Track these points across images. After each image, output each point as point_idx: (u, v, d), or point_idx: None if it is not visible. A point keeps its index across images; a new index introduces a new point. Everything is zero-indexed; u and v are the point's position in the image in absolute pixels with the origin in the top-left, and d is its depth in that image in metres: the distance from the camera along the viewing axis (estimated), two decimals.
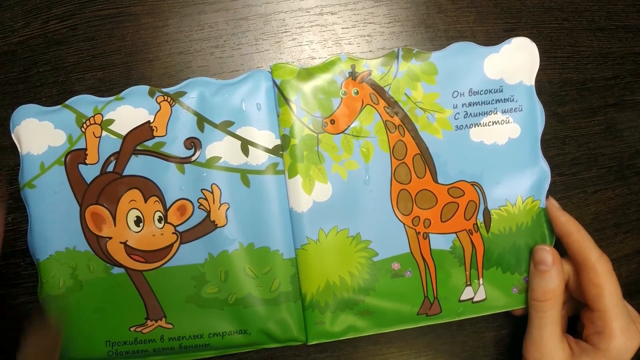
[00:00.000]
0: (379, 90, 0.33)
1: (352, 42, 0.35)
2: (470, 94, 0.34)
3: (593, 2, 0.37)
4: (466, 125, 0.34)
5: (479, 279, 0.35)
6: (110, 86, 0.33)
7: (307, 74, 0.33)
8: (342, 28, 0.35)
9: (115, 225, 0.33)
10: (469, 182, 0.34)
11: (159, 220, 0.33)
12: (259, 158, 0.33)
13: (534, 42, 0.34)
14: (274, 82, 0.33)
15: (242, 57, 0.35)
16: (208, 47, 0.35)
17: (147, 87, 0.33)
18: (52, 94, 0.34)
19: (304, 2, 0.35)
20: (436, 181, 0.34)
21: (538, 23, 0.36)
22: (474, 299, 0.35)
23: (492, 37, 0.36)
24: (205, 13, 0.35)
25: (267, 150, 0.33)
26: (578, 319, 0.34)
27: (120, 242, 0.33)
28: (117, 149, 0.33)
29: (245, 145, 0.33)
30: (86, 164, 0.33)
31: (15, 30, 0.34)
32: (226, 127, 0.33)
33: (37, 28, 0.34)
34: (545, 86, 0.37)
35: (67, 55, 0.34)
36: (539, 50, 0.34)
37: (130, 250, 0.33)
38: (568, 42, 0.37)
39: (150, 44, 0.34)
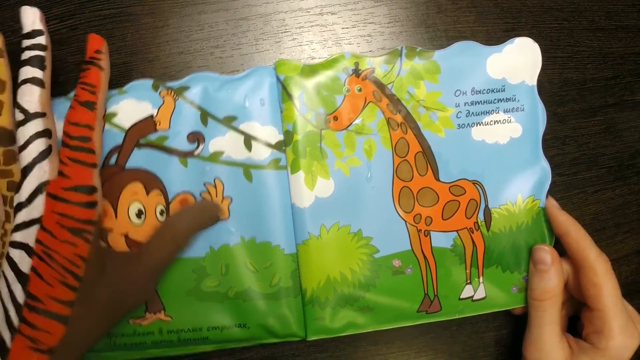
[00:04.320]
0: (382, 87, 0.33)
1: (352, 42, 0.35)
2: (473, 93, 0.34)
3: (593, 2, 0.38)
4: (468, 124, 0.34)
5: (479, 278, 0.35)
6: (110, 86, 0.33)
7: (311, 70, 0.33)
8: (342, 28, 0.35)
9: (116, 218, 0.32)
10: (470, 181, 0.34)
11: (161, 214, 0.33)
12: (261, 153, 0.33)
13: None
14: (278, 78, 0.33)
15: (242, 57, 0.35)
16: (208, 47, 0.35)
17: (150, 81, 0.33)
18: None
19: (304, 2, 0.35)
20: (438, 179, 0.34)
21: (538, 23, 0.37)
22: (474, 298, 0.35)
23: (492, 37, 0.36)
24: (205, 13, 0.35)
25: (270, 145, 0.33)
26: (578, 319, 0.34)
27: (121, 235, 0.33)
28: (120, 142, 0.33)
29: (248, 140, 0.33)
30: None
31: (15, 30, 0.33)
32: (229, 122, 0.33)
33: None
34: (545, 86, 0.37)
35: (67, 55, 0.34)
36: None
37: (131, 243, 0.33)
38: (568, 42, 0.37)
39: (150, 44, 0.35)
